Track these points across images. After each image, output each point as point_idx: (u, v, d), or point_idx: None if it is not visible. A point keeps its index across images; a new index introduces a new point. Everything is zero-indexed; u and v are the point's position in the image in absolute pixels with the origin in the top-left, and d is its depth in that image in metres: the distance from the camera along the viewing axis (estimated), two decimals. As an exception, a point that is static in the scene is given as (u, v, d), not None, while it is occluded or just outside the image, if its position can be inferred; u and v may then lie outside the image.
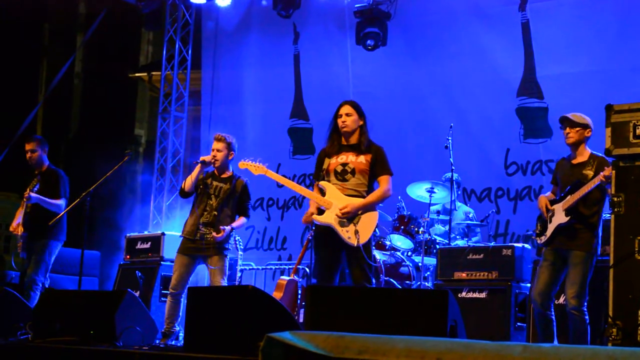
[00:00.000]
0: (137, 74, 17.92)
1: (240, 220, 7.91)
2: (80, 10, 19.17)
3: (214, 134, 8.09)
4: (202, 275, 8.64)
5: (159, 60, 14.15)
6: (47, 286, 8.75)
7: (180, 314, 7.84)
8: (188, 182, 7.79)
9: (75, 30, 19.14)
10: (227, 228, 7.70)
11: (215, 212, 7.70)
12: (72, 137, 19.72)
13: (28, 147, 9.03)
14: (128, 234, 10.54)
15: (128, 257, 10.23)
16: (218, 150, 7.85)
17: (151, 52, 18.59)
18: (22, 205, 8.91)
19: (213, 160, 7.81)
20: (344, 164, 6.65)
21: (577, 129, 6.68)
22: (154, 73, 16.38)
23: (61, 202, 8.89)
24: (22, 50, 19.03)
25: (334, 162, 6.69)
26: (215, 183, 7.82)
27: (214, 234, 7.64)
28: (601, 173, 6.33)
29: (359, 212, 6.54)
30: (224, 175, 7.89)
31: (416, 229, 9.17)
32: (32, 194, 8.70)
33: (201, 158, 7.90)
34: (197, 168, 7.80)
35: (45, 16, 19.68)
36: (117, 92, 18.29)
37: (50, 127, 19.32)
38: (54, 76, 14.66)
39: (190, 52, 13.41)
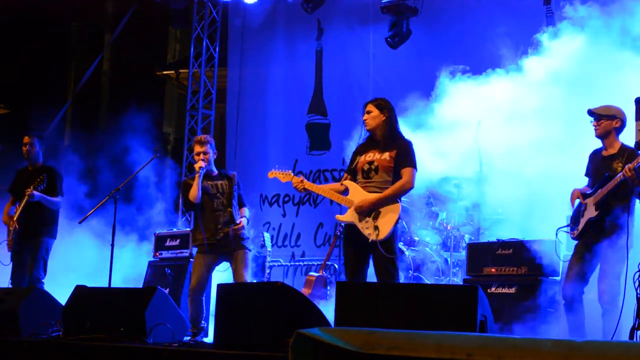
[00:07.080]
0: (164, 72, 18.02)
1: (247, 212, 7.93)
2: (108, 9, 19.28)
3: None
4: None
5: (186, 58, 14.22)
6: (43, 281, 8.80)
7: (205, 312, 7.84)
8: (194, 193, 7.60)
9: (103, 29, 19.27)
10: (243, 219, 7.73)
11: (230, 209, 7.68)
12: (100, 135, 19.85)
13: (27, 140, 9.07)
14: (157, 231, 10.58)
15: (157, 254, 10.26)
16: (205, 153, 7.76)
17: (178, 50, 18.68)
18: (13, 201, 8.96)
19: (205, 165, 7.71)
20: (370, 162, 6.63)
21: (602, 121, 6.64)
22: (181, 71, 16.45)
23: (59, 199, 8.98)
24: (51, 50, 19.17)
25: (362, 160, 6.68)
26: (211, 183, 7.76)
27: (235, 226, 7.64)
28: (626, 166, 6.26)
29: (378, 208, 6.46)
30: (214, 175, 7.85)
31: (445, 224, 9.15)
32: (36, 192, 8.70)
33: (197, 167, 7.74)
34: (197, 177, 7.64)
35: (74, 15, 19.82)
36: (145, 90, 18.38)
37: (79, 125, 19.46)
38: (83, 75, 14.73)
39: (217, 49, 13.45)
